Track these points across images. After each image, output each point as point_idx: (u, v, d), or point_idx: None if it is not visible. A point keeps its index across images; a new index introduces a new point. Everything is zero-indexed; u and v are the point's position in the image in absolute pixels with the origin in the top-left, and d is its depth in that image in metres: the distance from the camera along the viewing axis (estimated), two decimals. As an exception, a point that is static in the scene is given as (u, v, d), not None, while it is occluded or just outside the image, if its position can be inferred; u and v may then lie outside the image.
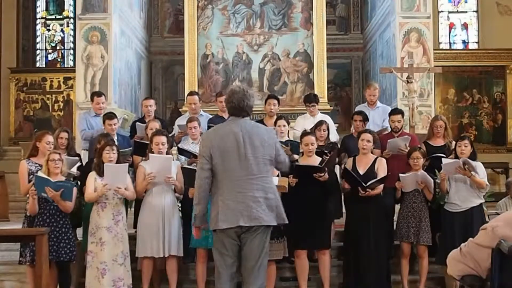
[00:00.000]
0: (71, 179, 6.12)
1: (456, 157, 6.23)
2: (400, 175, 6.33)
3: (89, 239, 5.87)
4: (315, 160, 6.14)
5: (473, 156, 6.24)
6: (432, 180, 6.28)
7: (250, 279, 4.36)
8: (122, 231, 5.88)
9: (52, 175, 5.77)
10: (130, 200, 6.18)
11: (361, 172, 6.16)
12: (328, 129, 6.96)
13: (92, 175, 5.94)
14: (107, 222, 5.82)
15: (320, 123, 6.91)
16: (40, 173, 5.71)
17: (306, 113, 7.90)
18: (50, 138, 6.22)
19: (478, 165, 6.20)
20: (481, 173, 6.19)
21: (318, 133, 6.76)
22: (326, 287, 6.14)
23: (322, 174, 5.95)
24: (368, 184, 5.96)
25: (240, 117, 4.44)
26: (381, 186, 6.17)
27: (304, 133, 6.33)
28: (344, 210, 6.63)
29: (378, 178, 6.05)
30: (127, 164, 6.19)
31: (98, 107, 7.74)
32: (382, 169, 6.16)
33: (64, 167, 5.89)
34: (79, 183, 6.24)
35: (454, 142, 6.71)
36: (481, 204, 6.24)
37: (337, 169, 7.03)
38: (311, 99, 7.80)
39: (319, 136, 6.75)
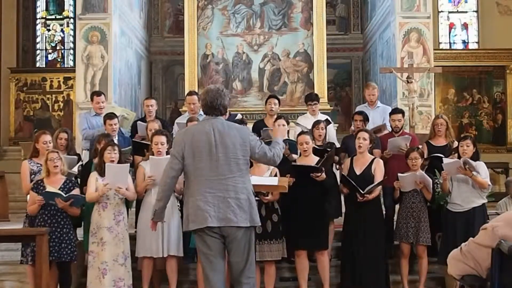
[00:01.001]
0: (73, 178, 6.12)
1: (459, 157, 6.22)
2: (399, 174, 6.32)
3: (90, 239, 5.87)
4: (313, 160, 6.12)
5: (475, 156, 6.20)
6: (431, 180, 6.27)
7: (242, 279, 4.33)
8: (123, 231, 5.88)
9: (52, 174, 5.77)
10: (130, 200, 6.18)
11: (358, 172, 6.15)
12: (326, 128, 6.94)
13: (94, 175, 5.95)
14: (108, 222, 5.82)
15: (318, 122, 6.90)
16: (49, 188, 5.67)
17: (306, 113, 7.90)
18: (47, 137, 6.21)
19: (480, 165, 6.17)
20: (483, 173, 6.17)
21: (316, 131, 6.74)
22: (326, 287, 6.15)
23: (319, 174, 5.93)
24: (365, 190, 5.95)
25: (213, 116, 4.40)
26: (379, 188, 6.16)
27: (299, 133, 6.34)
28: (344, 210, 6.63)
29: (376, 183, 6.02)
30: (129, 164, 6.18)
31: (98, 106, 7.75)
32: (379, 171, 6.14)
33: (64, 167, 5.88)
34: (79, 181, 6.24)
35: (456, 142, 6.70)
36: (483, 204, 6.22)
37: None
38: (312, 97, 7.82)
39: (317, 135, 6.73)
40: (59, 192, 5.65)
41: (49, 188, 5.66)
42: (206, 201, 4.23)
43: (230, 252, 4.32)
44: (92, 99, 7.93)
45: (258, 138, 4.65)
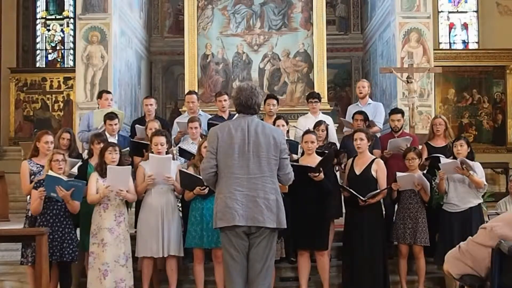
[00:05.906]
0: (73, 178, 6.11)
1: (455, 158, 6.23)
2: (397, 174, 6.29)
3: (90, 240, 5.85)
4: (315, 159, 6.11)
5: (470, 156, 6.23)
6: (428, 183, 6.25)
7: (257, 280, 4.30)
8: (124, 232, 5.86)
9: (54, 174, 5.76)
10: (131, 202, 6.17)
11: (357, 172, 6.16)
12: (327, 130, 6.95)
13: (94, 176, 5.93)
14: (109, 223, 5.80)
15: (319, 123, 6.90)
16: (51, 172, 5.67)
17: (307, 113, 7.90)
18: (49, 137, 6.19)
19: (476, 165, 6.21)
20: (479, 173, 6.19)
21: (316, 132, 6.74)
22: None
23: (317, 174, 5.93)
24: (366, 197, 5.95)
25: (248, 115, 4.39)
26: (384, 192, 6.14)
27: (306, 131, 6.33)
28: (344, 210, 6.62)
29: (379, 190, 6.03)
30: (130, 166, 6.15)
31: (107, 103, 7.73)
32: (381, 174, 6.12)
33: (66, 167, 5.87)
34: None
35: (454, 143, 6.71)
36: (479, 204, 6.24)
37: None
38: (314, 95, 7.86)
39: (318, 136, 6.73)
40: (61, 176, 5.64)
41: (51, 173, 5.65)
42: (235, 199, 4.22)
43: (251, 251, 4.30)
44: (101, 97, 7.87)
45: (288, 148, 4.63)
